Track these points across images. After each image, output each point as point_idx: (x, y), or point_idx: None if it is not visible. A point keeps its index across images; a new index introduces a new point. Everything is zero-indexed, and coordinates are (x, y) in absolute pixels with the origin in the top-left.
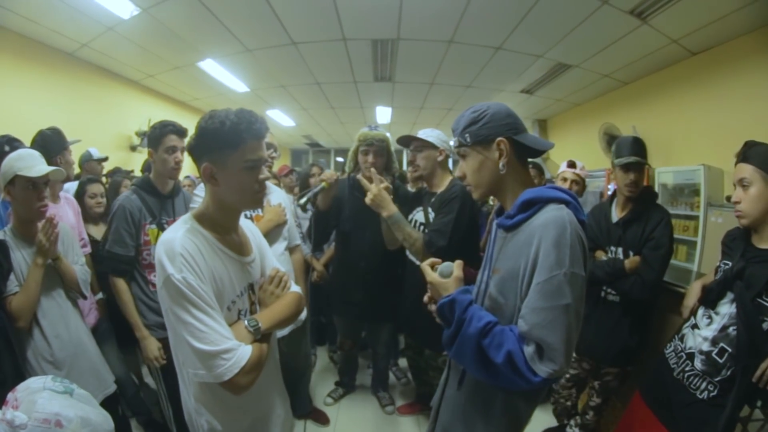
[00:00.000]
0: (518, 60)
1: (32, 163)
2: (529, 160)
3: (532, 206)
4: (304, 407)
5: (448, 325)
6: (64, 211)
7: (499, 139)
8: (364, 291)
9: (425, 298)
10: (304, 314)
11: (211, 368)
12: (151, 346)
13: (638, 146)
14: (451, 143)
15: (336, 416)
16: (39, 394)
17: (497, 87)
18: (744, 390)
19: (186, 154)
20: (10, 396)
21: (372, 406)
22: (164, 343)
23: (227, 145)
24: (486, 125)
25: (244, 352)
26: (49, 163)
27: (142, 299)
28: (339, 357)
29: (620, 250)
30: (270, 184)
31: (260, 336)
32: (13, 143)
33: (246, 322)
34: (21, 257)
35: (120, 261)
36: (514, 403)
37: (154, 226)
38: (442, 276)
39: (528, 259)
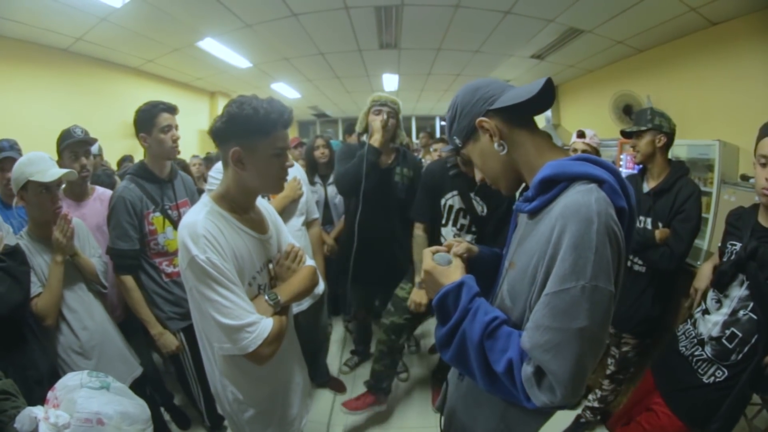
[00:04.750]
0: (528, 24)
1: (44, 167)
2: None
3: (554, 185)
4: (321, 376)
5: (446, 319)
6: (92, 208)
7: (478, 120)
8: (376, 260)
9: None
10: (321, 288)
11: (237, 341)
12: (168, 340)
13: (639, 115)
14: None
15: (352, 384)
16: (77, 392)
17: (506, 52)
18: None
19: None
20: (50, 395)
21: None
22: (185, 331)
23: (259, 132)
24: (462, 115)
25: (266, 325)
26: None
27: (157, 292)
28: (354, 327)
29: (649, 220)
30: None
31: (279, 309)
32: None
33: (266, 296)
34: (41, 259)
35: (126, 257)
36: (516, 414)
37: (158, 214)
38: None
39: (543, 260)
